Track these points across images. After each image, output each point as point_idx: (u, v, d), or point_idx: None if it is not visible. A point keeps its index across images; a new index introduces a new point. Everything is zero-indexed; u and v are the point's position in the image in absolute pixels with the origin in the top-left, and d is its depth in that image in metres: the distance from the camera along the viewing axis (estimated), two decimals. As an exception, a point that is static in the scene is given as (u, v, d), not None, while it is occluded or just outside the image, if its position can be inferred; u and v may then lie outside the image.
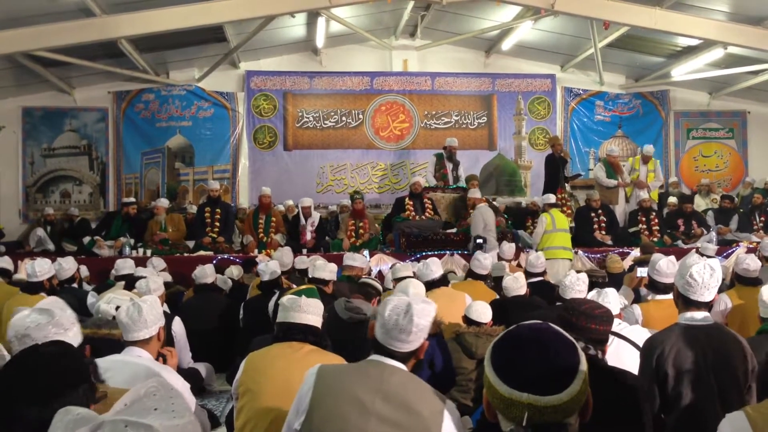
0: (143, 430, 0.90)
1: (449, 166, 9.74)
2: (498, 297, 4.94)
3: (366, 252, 7.57)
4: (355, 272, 5.66)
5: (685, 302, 2.55)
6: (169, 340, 3.98)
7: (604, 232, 8.79)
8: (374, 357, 1.97)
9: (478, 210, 7.97)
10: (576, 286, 3.83)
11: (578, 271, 4.10)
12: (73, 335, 2.10)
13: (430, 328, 2.00)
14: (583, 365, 1.18)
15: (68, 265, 5.32)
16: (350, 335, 3.37)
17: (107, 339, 3.14)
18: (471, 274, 5.52)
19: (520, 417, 1.15)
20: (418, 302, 1.96)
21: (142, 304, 2.59)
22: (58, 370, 1.57)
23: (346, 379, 1.92)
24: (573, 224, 9.01)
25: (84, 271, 6.77)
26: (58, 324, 2.06)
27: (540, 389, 1.13)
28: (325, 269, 4.83)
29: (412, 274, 4.99)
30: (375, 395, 1.85)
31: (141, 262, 6.82)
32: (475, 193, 8.53)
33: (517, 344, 1.21)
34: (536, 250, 7.41)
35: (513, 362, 1.18)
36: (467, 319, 3.77)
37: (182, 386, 2.48)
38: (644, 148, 10.13)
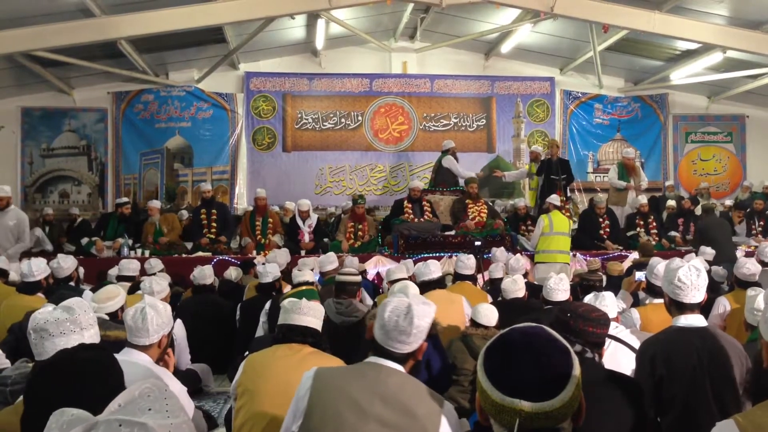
0: (137, 429, 0.90)
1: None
2: (489, 297, 4.95)
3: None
4: (331, 274, 5.65)
5: (677, 306, 2.55)
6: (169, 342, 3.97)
7: (609, 239, 8.74)
8: (372, 359, 1.96)
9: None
10: (560, 286, 3.89)
11: (577, 274, 4.12)
12: (89, 336, 2.11)
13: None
14: (577, 370, 1.16)
15: (67, 264, 5.12)
16: (344, 339, 3.37)
17: (102, 339, 3.13)
18: (457, 276, 5.51)
19: (511, 423, 1.12)
20: (418, 303, 1.95)
21: (148, 312, 2.53)
22: (100, 376, 1.58)
23: (344, 381, 1.92)
24: (575, 227, 8.99)
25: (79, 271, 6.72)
26: (76, 322, 2.07)
27: (532, 395, 1.11)
28: (306, 274, 4.77)
29: (406, 276, 4.96)
30: (373, 397, 1.85)
31: (139, 262, 6.79)
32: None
33: (509, 349, 1.18)
34: (534, 252, 7.40)
35: (505, 367, 1.16)
36: (474, 323, 3.77)
37: (179, 390, 2.48)
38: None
